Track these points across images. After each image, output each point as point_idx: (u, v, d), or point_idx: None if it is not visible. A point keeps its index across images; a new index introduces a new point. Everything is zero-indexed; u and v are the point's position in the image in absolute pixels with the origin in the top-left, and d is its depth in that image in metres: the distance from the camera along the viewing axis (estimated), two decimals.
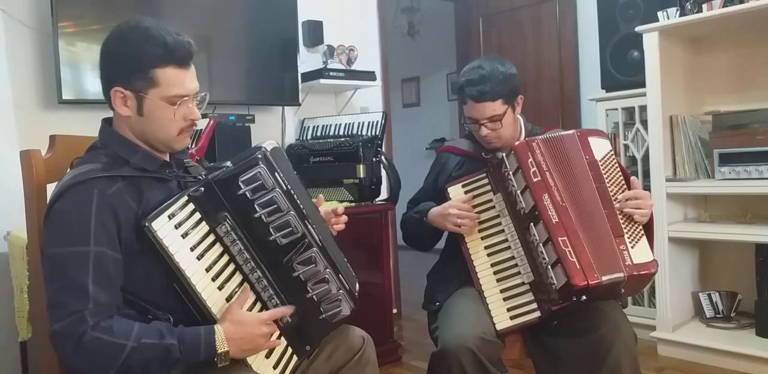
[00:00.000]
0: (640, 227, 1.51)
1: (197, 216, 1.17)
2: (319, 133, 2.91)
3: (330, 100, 3.24)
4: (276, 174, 1.21)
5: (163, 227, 1.11)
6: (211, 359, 1.10)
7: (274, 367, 1.23)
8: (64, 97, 2.24)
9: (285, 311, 1.22)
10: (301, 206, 1.24)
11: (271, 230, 1.21)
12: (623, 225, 1.48)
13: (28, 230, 1.39)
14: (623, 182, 1.55)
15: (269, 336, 1.18)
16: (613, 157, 1.57)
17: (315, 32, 3.04)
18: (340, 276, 1.28)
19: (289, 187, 1.23)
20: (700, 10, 2.53)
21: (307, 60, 3.01)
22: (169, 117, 1.17)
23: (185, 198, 1.16)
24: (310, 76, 2.93)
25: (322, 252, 1.25)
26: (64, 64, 2.23)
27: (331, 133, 2.85)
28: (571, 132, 1.58)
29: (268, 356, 1.22)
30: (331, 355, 1.36)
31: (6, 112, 2.24)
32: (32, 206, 1.36)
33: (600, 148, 1.56)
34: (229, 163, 1.23)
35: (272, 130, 2.95)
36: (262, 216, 1.20)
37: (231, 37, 2.67)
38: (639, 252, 1.47)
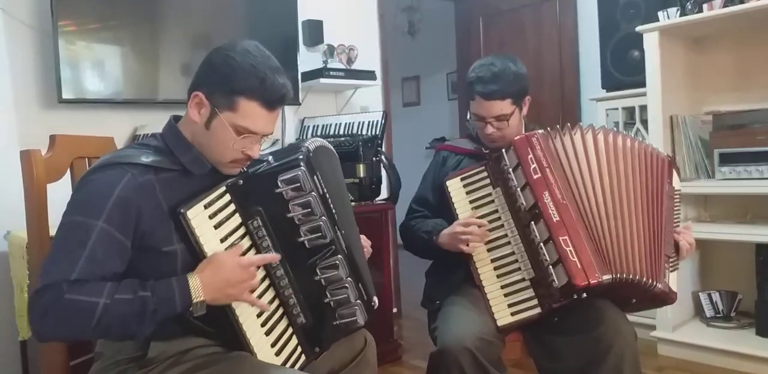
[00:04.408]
0: (678, 259, 1.57)
1: (232, 207, 1.19)
2: (319, 133, 2.91)
3: (330, 100, 3.23)
4: (315, 177, 1.22)
5: (197, 216, 1.12)
6: (187, 309, 1.09)
7: (283, 364, 1.24)
8: (64, 96, 2.24)
9: (273, 258, 1.20)
10: (335, 212, 1.26)
11: (300, 232, 1.22)
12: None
13: (28, 229, 1.39)
14: (679, 218, 1.63)
15: (249, 282, 1.15)
16: (679, 195, 1.65)
17: (315, 31, 3.04)
18: (360, 286, 1.29)
19: (325, 191, 1.24)
20: (700, 10, 2.52)
21: (307, 59, 3.00)
22: (229, 143, 1.17)
23: (223, 188, 1.18)
24: (310, 75, 2.92)
25: (347, 259, 1.26)
26: (64, 63, 2.23)
27: (331, 133, 2.84)
28: (664, 154, 1.64)
29: (278, 354, 1.23)
30: (332, 353, 1.36)
31: (6, 111, 2.24)
32: (32, 205, 1.37)
33: (676, 182, 1.64)
34: (270, 158, 1.24)
35: None
36: (295, 218, 1.21)
37: (231, 37, 2.66)
38: (672, 279, 1.52)
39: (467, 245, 1.56)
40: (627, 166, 1.53)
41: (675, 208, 1.60)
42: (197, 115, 1.18)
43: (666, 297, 1.50)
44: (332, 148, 1.42)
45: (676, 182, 1.63)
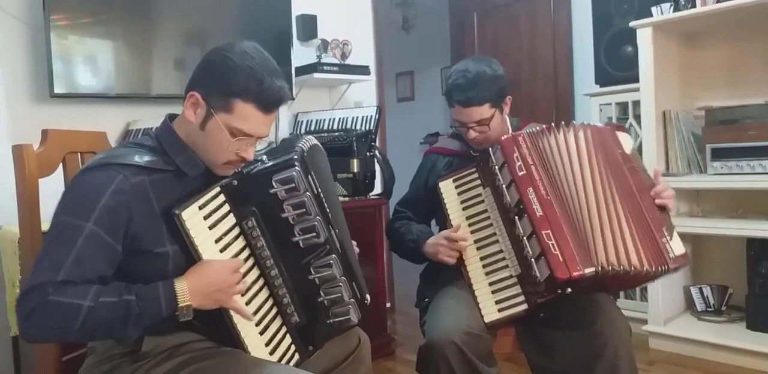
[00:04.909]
0: (670, 218, 1.54)
1: (226, 208, 1.19)
2: (312, 128, 2.90)
3: (324, 95, 3.23)
4: (309, 176, 1.22)
5: (192, 217, 1.12)
6: (173, 313, 1.08)
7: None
8: (56, 90, 2.23)
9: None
10: (328, 211, 1.26)
11: (295, 232, 1.22)
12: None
13: (20, 224, 1.38)
14: (649, 174, 1.58)
15: (237, 286, 1.14)
16: (637, 151, 1.61)
17: (309, 26, 3.03)
18: (353, 285, 1.30)
19: (319, 190, 1.24)
20: (693, 6, 2.54)
21: (301, 54, 2.99)
22: (223, 145, 1.16)
23: (217, 189, 1.18)
24: (303, 70, 2.91)
25: (341, 259, 1.27)
26: (56, 57, 2.21)
27: (325, 128, 2.84)
28: (602, 125, 1.60)
29: (272, 353, 1.23)
30: (326, 352, 1.36)
31: None
32: (24, 200, 1.36)
33: (627, 142, 1.59)
34: (264, 157, 1.23)
35: None
36: (289, 218, 1.21)
37: (225, 32, 2.66)
38: (677, 245, 1.49)
39: (451, 257, 1.58)
40: (603, 160, 1.52)
41: (642, 172, 1.57)
42: (193, 115, 1.17)
43: (678, 269, 1.49)
44: (320, 145, 1.42)
45: (626, 144, 1.58)
